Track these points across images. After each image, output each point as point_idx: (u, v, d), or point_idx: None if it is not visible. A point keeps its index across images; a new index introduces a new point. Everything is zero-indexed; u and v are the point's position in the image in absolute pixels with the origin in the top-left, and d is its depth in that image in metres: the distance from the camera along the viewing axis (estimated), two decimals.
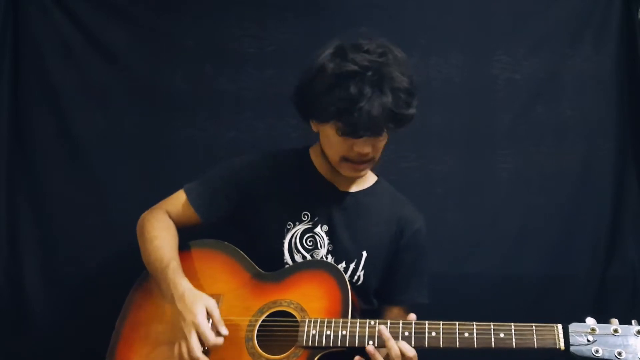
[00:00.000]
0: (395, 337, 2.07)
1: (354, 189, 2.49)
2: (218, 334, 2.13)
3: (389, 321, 2.11)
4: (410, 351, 2.05)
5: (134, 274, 2.50)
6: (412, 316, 2.13)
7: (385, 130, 2.22)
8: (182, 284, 2.21)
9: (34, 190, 2.90)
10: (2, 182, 2.87)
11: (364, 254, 2.42)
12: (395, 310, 2.50)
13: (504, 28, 2.98)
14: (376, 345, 2.08)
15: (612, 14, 2.98)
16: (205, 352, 2.12)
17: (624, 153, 2.99)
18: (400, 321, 2.11)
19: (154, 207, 2.52)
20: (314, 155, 2.51)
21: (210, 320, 2.14)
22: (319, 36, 2.68)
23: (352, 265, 2.41)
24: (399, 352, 2.04)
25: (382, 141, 2.29)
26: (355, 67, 2.15)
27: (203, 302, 2.15)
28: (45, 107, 2.90)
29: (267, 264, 2.38)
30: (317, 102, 2.22)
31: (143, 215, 2.51)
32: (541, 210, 2.97)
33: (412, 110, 2.23)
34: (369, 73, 2.15)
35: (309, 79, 2.27)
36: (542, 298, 2.91)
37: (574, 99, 2.99)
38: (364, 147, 2.24)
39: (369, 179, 2.54)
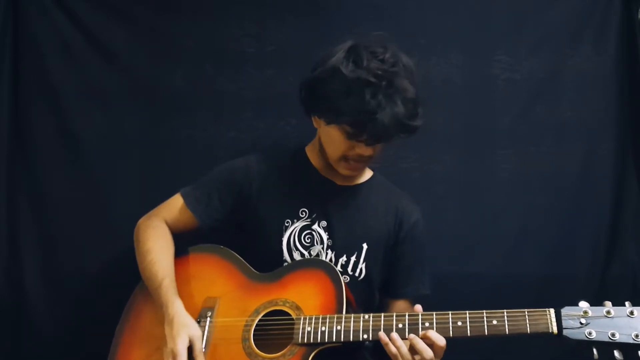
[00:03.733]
0: (390, 330, 2.08)
1: (351, 182, 2.52)
2: None
3: (382, 314, 2.12)
4: (440, 340, 2.04)
5: (134, 274, 2.49)
6: (419, 307, 2.13)
7: (396, 138, 2.26)
8: (174, 307, 2.23)
9: (34, 190, 2.91)
10: (2, 182, 2.88)
11: (365, 246, 2.44)
12: (401, 304, 2.51)
13: (504, 28, 2.98)
14: (370, 338, 2.10)
15: (612, 14, 2.97)
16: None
17: (624, 153, 2.99)
18: (394, 314, 2.11)
19: (151, 213, 2.53)
20: (310, 152, 2.54)
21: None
22: (319, 36, 2.70)
23: (353, 259, 2.43)
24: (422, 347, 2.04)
25: (382, 144, 2.32)
26: (371, 77, 2.18)
27: (188, 331, 2.16)
28: (45, 107, 2.91)
29: (267, 264, 2.39)
30: (329, 104, 2.25)
31: (139, 222, 2.52)
32: (541, 210, 2.96)
33: (419, 122, 2.28)
34: (384, 83, 2.19)
35: (321, 79, 2.28)
36: (542, 298, 2.86)
37: (574, 99, 2.98)
38: (365, 150, 2.28)
39: (366, 174, 2.57)
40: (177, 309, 2.22)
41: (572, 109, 2.98)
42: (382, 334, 2.07)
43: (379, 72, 2.19)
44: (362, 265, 2.43)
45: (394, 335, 2.06)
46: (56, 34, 2.90)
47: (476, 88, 2.98)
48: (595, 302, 2.85)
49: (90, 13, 2.90)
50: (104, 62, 2.92)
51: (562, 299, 2.84)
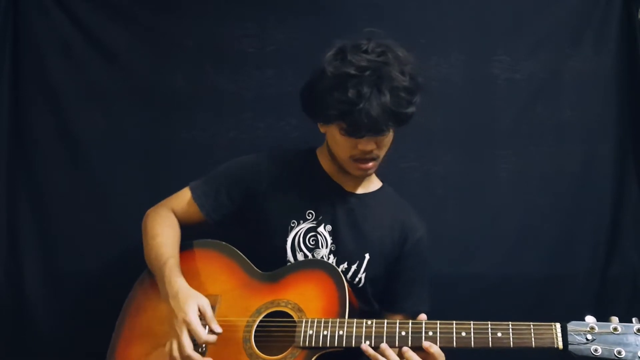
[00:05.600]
0: (392, 338, 2.07)
1: (359, 190, 2.51)
2: (211, 332, 2.14)
3: (385, 321, 2.11)
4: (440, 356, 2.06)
5: (133, 273, 2.52)
6: (423, 316, 2.13)
7: (386, 129, 2.24)
8: (177, 282, 2.22)
9: (34, 190, 2.91)
10: (2, 183, 2.88)
11: (367, 256, 2.43)
12: (397, 318, 2.47)
13: (504, 28, 2.98)
14: (373, 345, 2.09)
15: (612, 14, 2.97)
16: (202, 353, 2.13)
17: (624, 153, 2.99)
18: (398, 321, 2.11)
19: (160, 204, 2.54)
20: (321, 155, 2.53)
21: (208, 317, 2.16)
22: (319, 36, 2.70)
23: (353, 267, 2.41)
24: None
25: (386, 139, 2.31)
26: (352, 69, 2.18)
27: (196, 300, 2.16)
28: (45, 107, 2.91)
29: (270, 263, 2.39)
30: (319, 105, 2.26)
31: (148, 211, 2.53)
32: (541, 210, 2.96)
33: (412, 109, 2.25)
34: (367, 73, 2.17)
35: (312, 83, 2.31)
36: (542, 298, 2.90)
37: (574, 99, 2.98)
38: (367, 145, 2.26)
39: (375, 184, 2.56)
40: (180, 283, 2.22)
41: (572, 109, 2.98)
42: (364, 346, 2.08)
43: (363, 64, 2.18)
44: (361, 274, 2.42)
45: (384, 345, 2.07)
46: (56, 34, 2.90)
47: (476, 88, 2.98)
48: (596, 302, 2.88)
49: (90, 13, 2.90)
50: (104, 62, 2.92)
51: (563, 299, 2.87)
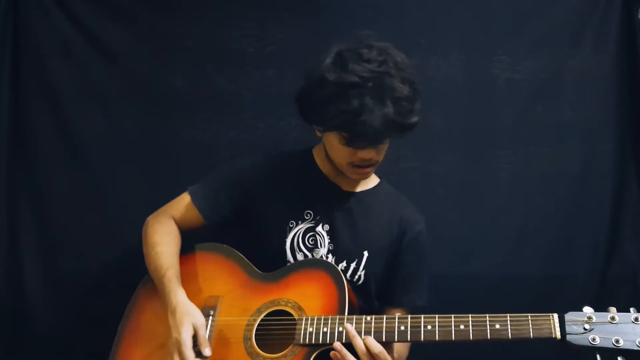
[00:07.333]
0: (391, 333, 2.08)
1: (357, 189, 2.51)
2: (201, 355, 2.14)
3: (384, 317, 2.12)
4: (376, 347, 2.06)
5: (134, 273, 2.51)
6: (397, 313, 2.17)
7: (388, 138, 2.25)
8: (176, 296, 2.23)
9: (34, 190, 2.90)
10: (3, 183, 2.87)
11: (365, 254, 2.43)
12: (395, 312, 2.48)
13: (504, 28, 2.98)
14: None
15: (612, 14, 2.97)
16: (197, 352, 2.14)
17: (624, 153, 2.99)
18: (397, 315, 2.11)
19: (159, 210, 2.54)
20: (317, 155, 2.53)
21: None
22: (319, 36, 2.71)
23: (352, 265, 2.42)
24: (364, 349, 2.06)
25: (385, 145, 2.32)
26: (356, 79, 2.16)
27: (191, 319, 2.16)
28: (45, 107, 2.90)
29: (270, 263, 2.39)
30: (320, 113, 2.24)
31: (148, 219, 2.53)
32: (541, 210, 2.96)
33: (414, 118, 2.24)
34: (370, 84, 2.16)
35: (311, 89, 2.28)
36: (542, 298, 2.90)
37: (574, 99, 2.98)
38: (367, 154, 2.26)
39: (372, 180, 2.56)
40: (179, 297, 2.22)
41: (572, 109, 2.98)
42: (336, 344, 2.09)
43: (365, 74, 2.16)
44: (361, 272, 2.43)
45: (337, 344, 2.08)
46: (56, 34, 2.89)
47: (476, 88, 2.98)
48: (596, 302, 2.86)
49: (90, 13, 2.90)
50: (104, 62, 2.92)
51: (562, 299, 2.87)
